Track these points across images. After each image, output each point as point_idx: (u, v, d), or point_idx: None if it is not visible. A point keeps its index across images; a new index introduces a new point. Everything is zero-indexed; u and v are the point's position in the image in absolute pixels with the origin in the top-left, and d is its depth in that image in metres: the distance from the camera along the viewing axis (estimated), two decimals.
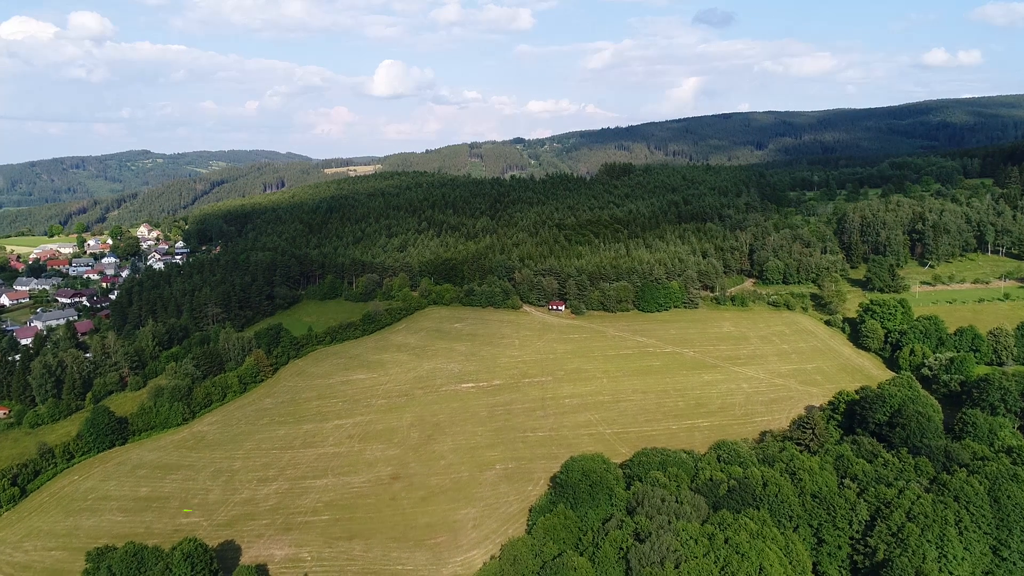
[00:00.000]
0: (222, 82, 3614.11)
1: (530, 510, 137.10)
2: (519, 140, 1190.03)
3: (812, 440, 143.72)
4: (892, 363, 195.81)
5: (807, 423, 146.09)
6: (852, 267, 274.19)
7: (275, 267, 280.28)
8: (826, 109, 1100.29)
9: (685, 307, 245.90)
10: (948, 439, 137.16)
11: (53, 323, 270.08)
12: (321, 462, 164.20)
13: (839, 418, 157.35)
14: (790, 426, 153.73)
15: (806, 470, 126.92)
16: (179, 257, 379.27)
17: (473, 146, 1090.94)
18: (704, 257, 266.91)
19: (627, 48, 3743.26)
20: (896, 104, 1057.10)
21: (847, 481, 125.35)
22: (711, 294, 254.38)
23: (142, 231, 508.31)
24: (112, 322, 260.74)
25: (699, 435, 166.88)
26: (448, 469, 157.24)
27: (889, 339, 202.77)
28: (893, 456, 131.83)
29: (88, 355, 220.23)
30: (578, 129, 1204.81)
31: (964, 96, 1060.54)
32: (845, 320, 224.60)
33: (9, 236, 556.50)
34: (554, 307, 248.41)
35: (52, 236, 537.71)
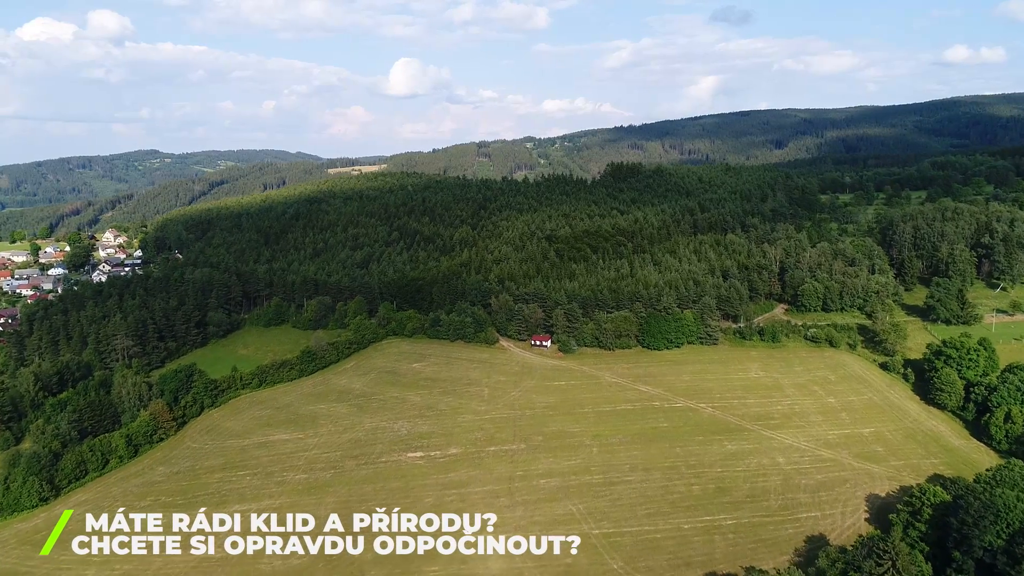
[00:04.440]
0: (239, 82, 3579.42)
1: None
2: (529, 139, 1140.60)
3: None
4: (978, 429, 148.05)
5: (883, 550, 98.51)
6: (906, 290, 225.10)
7: (211, 287, 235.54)
8: (848, 107, 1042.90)
9: (701, 343, 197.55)
10: None
11: None
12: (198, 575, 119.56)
13: (922, 528, 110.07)
14: (856, 544, 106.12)
15: None
16: (127, 270, 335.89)
17: (481, 145, 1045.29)
18: (725, 278, 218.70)
19: (645, 47, 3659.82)
20: (921, 101, 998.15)
21: None
22: (734, 325, 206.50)
23: (107, 237, 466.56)
24: (8, 355, 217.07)
25: (720, 540, 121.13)
26: None
27: (972, 395, 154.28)
28: None
29: None
30: (592, 128, 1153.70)
31: (987, 93, 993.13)
32: (906, 363, 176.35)
33: None
34: (537, 342, 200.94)
35: (13, 242, 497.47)
